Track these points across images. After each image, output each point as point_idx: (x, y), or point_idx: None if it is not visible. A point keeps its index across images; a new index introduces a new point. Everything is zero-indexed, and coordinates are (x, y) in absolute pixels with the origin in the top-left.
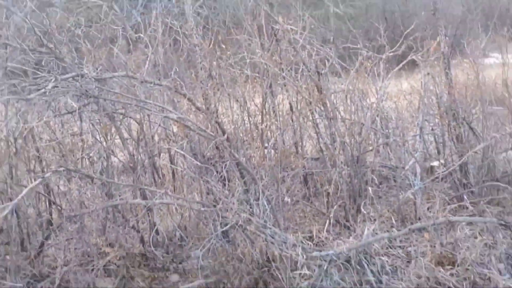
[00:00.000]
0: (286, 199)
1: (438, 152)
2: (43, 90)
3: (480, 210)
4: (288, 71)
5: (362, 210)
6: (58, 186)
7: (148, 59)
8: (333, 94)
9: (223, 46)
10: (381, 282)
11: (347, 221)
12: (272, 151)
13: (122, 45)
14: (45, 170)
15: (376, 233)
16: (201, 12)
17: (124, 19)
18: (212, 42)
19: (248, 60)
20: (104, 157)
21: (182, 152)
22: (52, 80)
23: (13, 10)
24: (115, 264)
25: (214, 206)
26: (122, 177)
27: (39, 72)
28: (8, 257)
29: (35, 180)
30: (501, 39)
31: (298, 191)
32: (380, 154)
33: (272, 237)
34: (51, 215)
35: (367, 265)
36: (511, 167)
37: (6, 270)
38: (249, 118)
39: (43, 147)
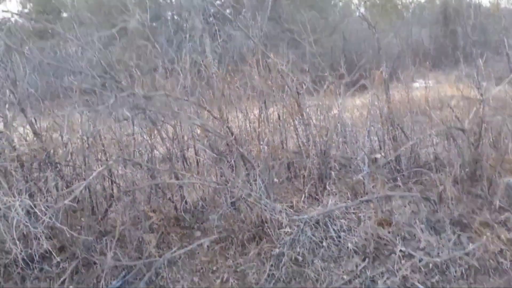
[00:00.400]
0: (275, 180)
1: (380, 148)
2: (106, 104)
3: (409, 188)
4: (277, 91)
5: (327, 187)
6: (117, 170)
7: (180, 83)
8: (308, 107)
9: (232, 74)
10: (340, 237)
11: (317, 195)
12: (266, 147)
13: (161, 73)
14: (108, 159)
15: (337, 204)
16: (217, 50)
17: (163, 55)
18: (224, 71)
19: (249, 84)
20: (149, 151)
21: (203, 147)
22: (113, 97)
23: (86, 48)
24: (157, 224)
25: (225, 184)
26: (162, 164)
27: (104, 92)
28: (82, 219)
29: (101, 166)
30: (424, 70)
31: (283, 174)
32: (340, 149)
33: (265, 206)
34: (112, 190)
35: (331, 225)
36: (431, 158)
37: (81, 228)
38: (249, 124)
39: (107, 143)
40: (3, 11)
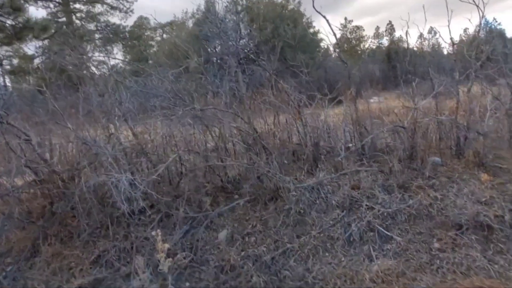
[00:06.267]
0: (285, 161)
1: (351, 140)
2: (177, 115)
3: (370, 165)
4: (285, 105)
5: (319, 166)
6: (184, 157)
7: (223, 101)
8: (305, 115)
9: (255, 95)
10: (327, 197)
11: (312, 171)
12: (278, 140)
13: (211, 95)
14: (179, 150)
15: (325, 176)
16: (245, 80)
17: (211, 84)
18: (251, 93)
19: (267, 100)
20: (204, 144)
21: (238, 141)
22: (181, 111)
23: (164, 80)
24: (210, 191)
25: (253, 165)
26: (212, 152)
27: (175, 107)
28: (164, 187)
29: (174, 154)
30: (376, 91)
31: (290, 158)
32: (326, 141)
33: (279, 178)
34: (182, 169)
35: (321, 189)
36: (384, 146)
37: (163, 193)
38: (267, 126)
39: (177, 140)
40: (113, 59)
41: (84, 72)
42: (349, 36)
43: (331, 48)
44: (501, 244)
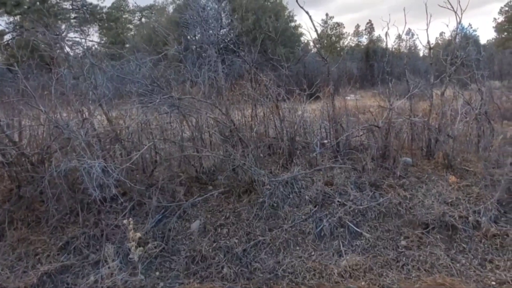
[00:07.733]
0: (261, 155)
1: (327, 136)
2: (154, 103)
3: (344, 162)
4: (263, 98)
5: (294, 160)
6: (159, 145)
7: (201, 90)
8: (283, 109)
9: (234, 86)
10: (300, 192)
11: (287, 165)
12: (255, 133)
13: (189, 84)
14: (154, 138)
15: (299, 171)
16: (224, 70)
17: (190, 72)
18: (229, 84)
19: (246, 92)
20: (180, 133)
21: (215, 132)
22: (158, 98)
23: (141, 66)
24: (184, 181)
25: (229, 157)
26: (188, 142)
27: (152, 95)
28: (137, 175)
29: (149, 142)
30: (353, 88)
31: (266, 151)
32: (302, 136)
33: (254, 171)
34: (156, 158)
35: (295, 184)
36: (358, 144)
37: (136, 181)
38: (245, 119)
39: (153, 128)
40: (89, 41)
41: (58, 51)
42: (329, 33)
43: (311, 43)
44: (463, 243)
